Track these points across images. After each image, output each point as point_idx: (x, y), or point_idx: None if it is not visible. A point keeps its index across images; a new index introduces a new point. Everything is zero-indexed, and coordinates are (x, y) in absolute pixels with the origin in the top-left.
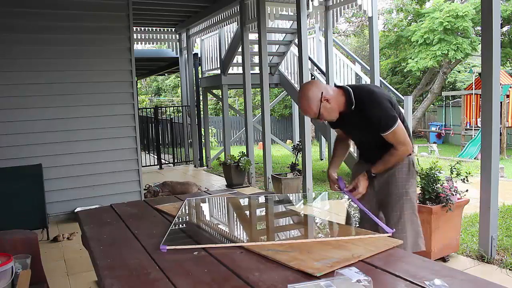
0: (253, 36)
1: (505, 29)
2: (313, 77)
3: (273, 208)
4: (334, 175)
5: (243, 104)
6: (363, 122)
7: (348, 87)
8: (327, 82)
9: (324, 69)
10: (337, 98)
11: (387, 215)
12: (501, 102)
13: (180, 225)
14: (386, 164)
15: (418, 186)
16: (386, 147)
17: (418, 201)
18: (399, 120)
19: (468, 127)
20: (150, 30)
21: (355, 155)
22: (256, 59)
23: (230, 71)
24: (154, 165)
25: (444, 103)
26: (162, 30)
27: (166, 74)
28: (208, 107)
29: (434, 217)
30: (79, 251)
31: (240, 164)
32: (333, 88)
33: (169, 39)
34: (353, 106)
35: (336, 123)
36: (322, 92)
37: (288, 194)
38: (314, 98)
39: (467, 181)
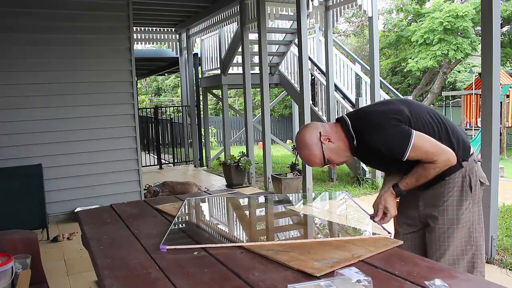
0: (253, 36)
1: (505, 29)
2: (313, 77)
3: (273, 208)
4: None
5: (243, 104)
6: (375, 154)
7: (346, 117)
8: (327, 82)
9: (324, 69)
10: (339, 134)
11: (431, 245)
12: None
13: (180, 225)
14: (419, 179)
15: None
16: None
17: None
18: (413, 132)
19: (468, 127)
20: (150, 30)
21: None
22: (256, 59)
23: (230, 71)
24: (154, 165)
25: (444, 103)
26: (162, 30)
27: (166, 74)
28: (208, 107)
29: None
30: (79, 251)
31: (240, 164)
32: (331, 124)
33: (169, 39)
34: (355, 141)
35: (361, 160)
36: (320, 132)
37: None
38: (313, 142)
39: None
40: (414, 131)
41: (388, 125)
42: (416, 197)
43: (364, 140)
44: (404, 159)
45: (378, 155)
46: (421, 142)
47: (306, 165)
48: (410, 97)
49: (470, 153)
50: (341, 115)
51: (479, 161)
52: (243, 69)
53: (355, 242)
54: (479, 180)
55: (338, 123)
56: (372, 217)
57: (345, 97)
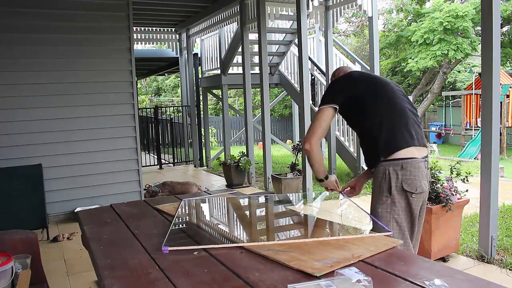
0: (253, 36)
1: (505, 29)
2: (313, 77)
3: (273, 208)
4: (352, 183)
5: (243, 104)
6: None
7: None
8: (327, 82)
9: (324, 69)
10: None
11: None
12: (501, 102)
13: (180, 225)
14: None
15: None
16: (362, 136)
17: (403, 221)
18: (328, 106)
19: (468, 127)
20: (150, 30)
21: (355, 154)
22: (256, 59)
23: (230, 71)
24: (154, 165)
25: (444, 103)
26: (162, 30)
27: (166, 74)
28: (208, 107)
29: (434, 217)
30: (79, 251)
31: (240, 164)
32: (346, 70)
33: (169, 39)
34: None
35: None
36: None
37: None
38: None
39: (467, 181)
40: (330, 107)
41: (335, 85)
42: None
43: None
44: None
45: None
46: (320, 112)
47: (306, 166)
48: (410, 97)
49: (398, 157)
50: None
51: (406, 167)
52: (243, 69)
53: (355, 242)
54: (402, 185)
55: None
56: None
57: None
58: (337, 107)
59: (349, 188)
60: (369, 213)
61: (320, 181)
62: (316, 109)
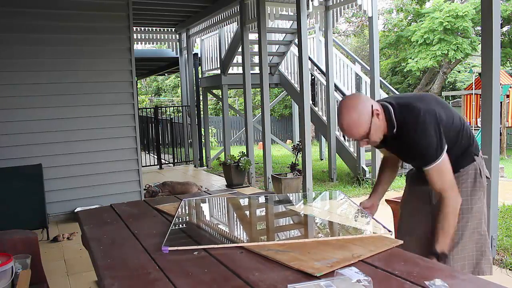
0: (253, 36)
1: (505, 29)
2: (313, 77)
3: (273, 208)
4: (368, 204)
5: (243, 104)
6: (406, 147)
7: (387, 104)
8: (327, 82)
9: (324, 69)
10: (383, 115)
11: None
12: (501, 102)
13: (180, 225)
14: (449, 229)
15: None
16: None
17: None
18: (444, 154)
19: None
20: (150, 30)
21: (355, 154)
22: (256, 59)
23: (230, 71)
24: (154, 165)
25: None
26: (162, 30)
27: (166, 74)
28: (208, 107)
29: None
30: (79, 251)
31: (240, 164)
32: (376, 103)
33: (169, 39)
34: (395, 130)
35: (386, 146)
36: (372, 105)
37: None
38: (365, 111)
39: None
40: (443, 155)
41: (432, 130)
42: (426, 191)
43: (403, 131)
44: (426, 168)
45: (407, 149)
46: (445, 166)
47: (306, 166)
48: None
49: (480, 149)
50: (379, 99)
51: (485, 157)
52: (243, 69)
53: (355, 241)
54: (486, 176)
55: (380, 104)
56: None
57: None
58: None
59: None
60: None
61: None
62: (316, 108)
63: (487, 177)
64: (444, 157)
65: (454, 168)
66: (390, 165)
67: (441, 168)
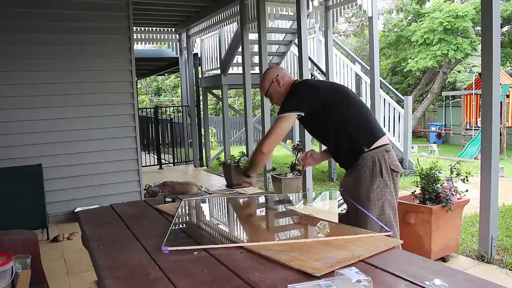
0: (253, 36)
1: (505, 29)
2: (313, 77)
3: (273, 208)
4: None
5: (243, 104)
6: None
7: (298, 80)
8: None
9: (324, 69)
10: (286, 87)
11: (351, 219)
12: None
13: (180, 225)
14: (251, 160)
15: (418, 186)
16: (338, 140)
17: (394, 201)
18: (293, 114)
19: (468, 127)
20: (150, 30)
21: None
22: (256, 59)
23: (230, 71)
24: (154, 165)
25: (444, 103)
26: (162, 30)
27: (166, 74)
28: (208, 107)
29: (434, 217)
30: (79, 251)
31: (240, 164)
32: (291, 78)
33: (169, 39)
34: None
35: None
36: (278, 75)
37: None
38: (268, 76)
39: (467, 181)
40: (294, 114)
41: (301, 94)
42: (344, 180)
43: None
44: (277, 116)
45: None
46: (283, 124)
47: None
48: (410, 97)
49: (379, 144)
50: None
51: (389, 151)
52: (243, 69)
53: (355, 242)
54: (390, 167)
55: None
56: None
57: None
58: (302, 115)
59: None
60: (359, 205)
61: (248, 176)
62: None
63: (392, 169)
64: (290, 119)
65: (349, 158)
66: None
67: (277, 123)
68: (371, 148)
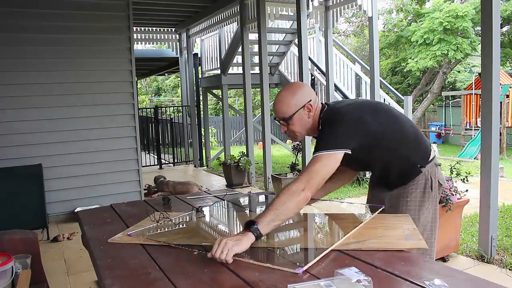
0: (253, 36)
1: (505, 29)
2: (313, 77)
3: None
4: None
5: (243, 104)
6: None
7: (325, 105)
8: (327, 82)
9: (324, 69)
10: (315, 117)
11: None
12: (501, 102)
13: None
14: (274, 209)
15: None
16: (390, 165)
17: (437, 216)
18: (341, 152)
19: (468, 127)
20: (150, 30)
21: None
22: (256, 59)
23: (230, 71)
24: (154, 165)
25: (444, 103)
26: (162, 30)
27: (166, 74)
28: (208, 107)
29: None
30: (79, 251)
31: (240, 164)
32: (319, 102)
33: (169, 39)
34: (320, 128)
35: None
36: (310, 100)
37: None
38: (298, 100)
39: (467, 181)
40: (342, 152)
41: (344, 127)
42: (381, 198)
43: (323, 128)
44: (314, 155)
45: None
46: (327, 164)
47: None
48: (410, 97)
49: (430, 158)
50: (326, 102)
51: (439, 165)
52: (243, 69)
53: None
54: (438, 182)
55: (324, 106)
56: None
57: (345, 97)
58: (349, 153)
59: None
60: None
61: (257, 237)
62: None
63: (440, 183)
64: (336, 158)
65: (401, 179)
66: (339, 175)
67: (322, 161)
68: (424, 164)
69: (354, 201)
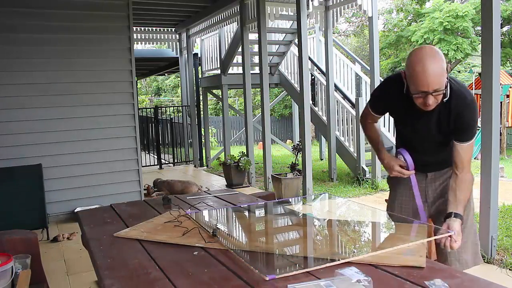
0: (253, 36)
1: (505, 29)
2: (313, 77)
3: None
4: (390, 156)
5: (243, 104)
6: (447, 121)
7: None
8: (327, 82)
9: (324, 69)
10: None
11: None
12: (501, 102)
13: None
14: (464, 201)
15: None
16: (443, 155)
17: None
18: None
19: None
20: (150, 30)
21: (355, 154)
22: (256, 59)
23: (230, 71)
24: (154, 165)
25: None
26: (162, 30)
27: (166, 74)
28: (208, 107)
29: None
30: (79, 251)
31: (240, 164)
32: None
33: (169, 39)
34: (446, 99)
35: (398, 110)
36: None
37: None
38: (445, 64)
39: None
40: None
41: (476, 113)
42: (423, 190)
43: (458, 103)
44: (462, 144)
45: (453, 121)
46: (472, 147)
47: (306, 166)
48: None
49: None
50: None
51: None
52: (243, 69)
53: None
54: None
55: None
56: (410, 166)
57: (345, 97)
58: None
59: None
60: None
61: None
62: (316, 108)
63: None
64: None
65: (445, 164)
66: (375, 126)
67: (472, 146)
68: None
69: (354, 201)
